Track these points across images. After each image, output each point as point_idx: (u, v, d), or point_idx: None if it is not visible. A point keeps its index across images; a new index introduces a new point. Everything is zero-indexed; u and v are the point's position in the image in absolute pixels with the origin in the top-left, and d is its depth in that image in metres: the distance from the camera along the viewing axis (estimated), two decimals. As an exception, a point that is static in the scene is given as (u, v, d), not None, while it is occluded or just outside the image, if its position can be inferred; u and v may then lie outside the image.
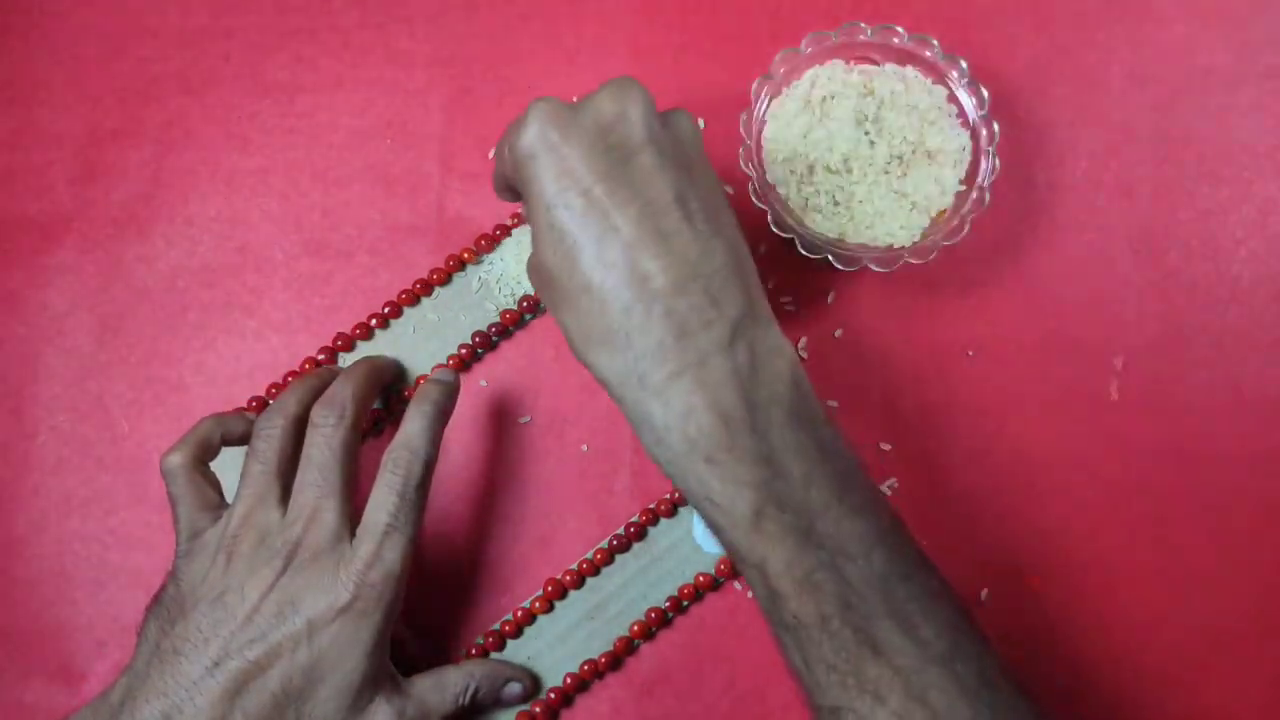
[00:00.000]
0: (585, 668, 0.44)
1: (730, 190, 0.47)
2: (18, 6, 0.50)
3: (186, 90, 0.50)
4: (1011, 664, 0.35)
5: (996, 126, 0.45)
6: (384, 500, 0.39)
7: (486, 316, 0.47)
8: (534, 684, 0.44)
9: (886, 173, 0.44)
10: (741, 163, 0.45)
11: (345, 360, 0.47)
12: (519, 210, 0.48)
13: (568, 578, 0.44)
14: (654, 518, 0.45)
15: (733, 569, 0.44)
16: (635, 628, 0.44)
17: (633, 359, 0.33)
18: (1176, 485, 0.46)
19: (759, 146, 0.45)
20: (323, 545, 0.38)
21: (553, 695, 0.43)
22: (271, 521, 0.39)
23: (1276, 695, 0.44)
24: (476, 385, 0.47)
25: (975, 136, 0.45)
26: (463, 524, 0.46)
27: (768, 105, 0.45)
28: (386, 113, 0.49)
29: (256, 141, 0.49)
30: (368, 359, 0.45)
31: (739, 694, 0.44)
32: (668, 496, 0.45)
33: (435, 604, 0.45)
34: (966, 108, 0.45)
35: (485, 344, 0.47)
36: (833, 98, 0.45)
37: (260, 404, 0.46)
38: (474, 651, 0.44)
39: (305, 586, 0.37)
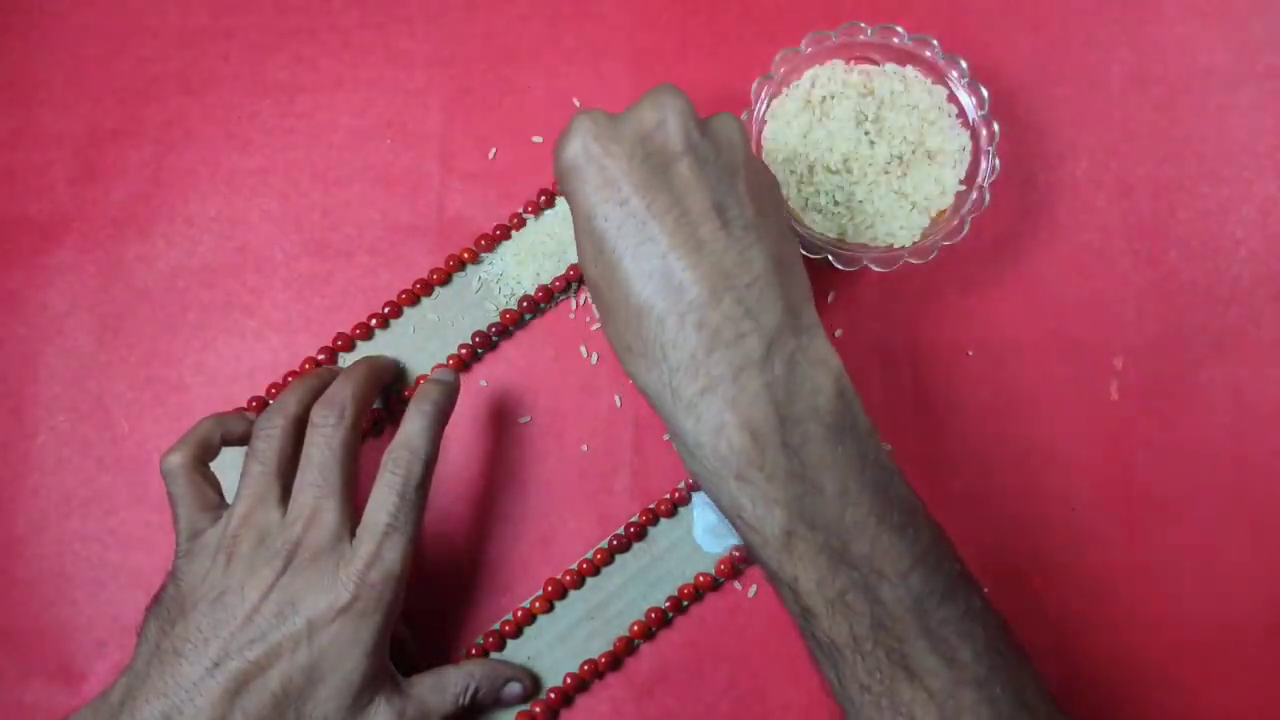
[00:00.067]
0: (585, 668, 0.44)
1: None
2: (18, 6, 0.50)
3: (186, 90, 0.50)
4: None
5: (996, 126, 0.45)
6: (384, 500, 0.39)
7: (486, 316, 0.47)
8: (534, 684, 0.44)
9: (886, 173, 0.44)
10: (741, 163, 0.45)
11: (345, 360, 0.47)
12: (519, 210, 0.48)
13: (568, 578, 0.44)
14: (654, 518, 0.45)
15: (733, 569, 0.44)
16: (635, 628, 0.44)
17: (667, 372, 0.33)
18: (1176, 485, 0.46)
19: (759, 146, 0.45)
20: (323, 545, 0.38)
21: (553, 695, 0.43)
22: (271, 521, 0.39)
23: (1277, 695, 0.44)
24: (476, 385, 0.47)
25: (975, 136, 0.45)
26: (463, 524, 0.46)
27: (768, 105, 0.45)
28: (386, 113, 0.49)
29: (256, 141, 0.49)
30: (368, 359, 0.45)
31: (739, 694, 0.44)
32: (668, 496, 0.45)
33: (435, 604, 0.45)
34: (966, 108, 0.45)
35: (485, 344, 0.47)
36: (833, 98, 0.45)
37: (260, 404, 0.46)
38: (474, 651, 0.44)
39: (305, 586, 0.37)
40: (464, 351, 0.47)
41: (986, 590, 0.43)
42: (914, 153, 0.44)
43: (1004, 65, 0.49)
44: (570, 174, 0.35)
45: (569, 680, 0.44)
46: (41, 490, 0.46)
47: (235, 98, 0.50)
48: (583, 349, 0.47)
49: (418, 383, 0.46)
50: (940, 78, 0.46)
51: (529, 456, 0.46)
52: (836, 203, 0.44)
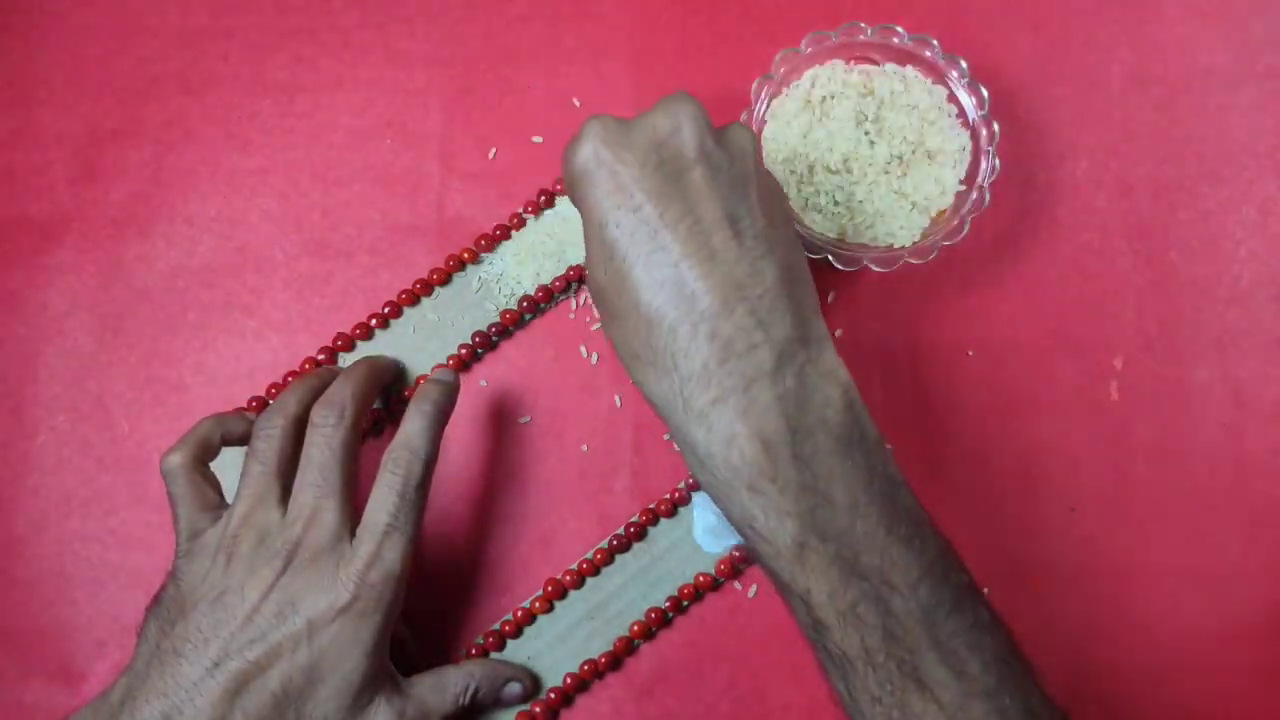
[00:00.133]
0: (585, 668, 0.44)
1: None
2: (18, 6, 0.50)
3: (186, 90, 0.50)
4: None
5: (996, 126, 0.45)
6: (384, 500, 0.39)
7: (486, 316, 0.47)
8: (534, 684, 0.44)
9: (886, 173, 0.44)
10: (741, 163, 0.45)
11: (345, 360, 0.47)
12: (519, 210, 0.48)
13: (568, 578, 0.44)
14: (654, 518, 0.45)
15: (733, 569, 0.44)
16: (635, 628, 0.44)
17: (678, 382, 0.33)
18: (1176, 485, 0.46)
19: (759, 146, 0.45)
20: (323, 545, 0.38)
21: (553, 695, 0.43)
22: (271, 521, 0.39)
23: (1277, 695, 0.44)
24: (476, 385, 0.47)
25: (975, 136, 0.45)
26: (463, 524, 0.46)
27: (768, 105, 0.45)
28: (386, 113, 0.49)
29: (256, 141, 0.49)
30: (368, 359, 0.45)
31: (739, 694, 0.44)
32: (668, 496, 0.45)
33: (435, 604, 0.45)
34: (966, 108, 0.45)
35: (485, 344, 0.47)
36: (833, 98, 0.45)
37: (260, 404, 0.46)
38: (474, 651, 0.44)
39: (305, 586, 0.37)
40: (464, 351, 0.47)
41: (986, 591, 0.43)
42: (914, 153, 0.44)
43: (1004, 65, 0.49)
44: (581, 179, 0.35)
45: (569, 680, 0.44)
46: (41, 490, 0.46)
47: (235, 98, 0.49)
48: (583, 349, 0.47)
49: (418, 383, 0.46)
50: (940, 78, 0.46)
51: (529, 456, 0.46)
52: (836, 203, 0.44)
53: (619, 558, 0.45)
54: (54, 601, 0.45)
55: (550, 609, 0.45)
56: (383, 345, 0.47)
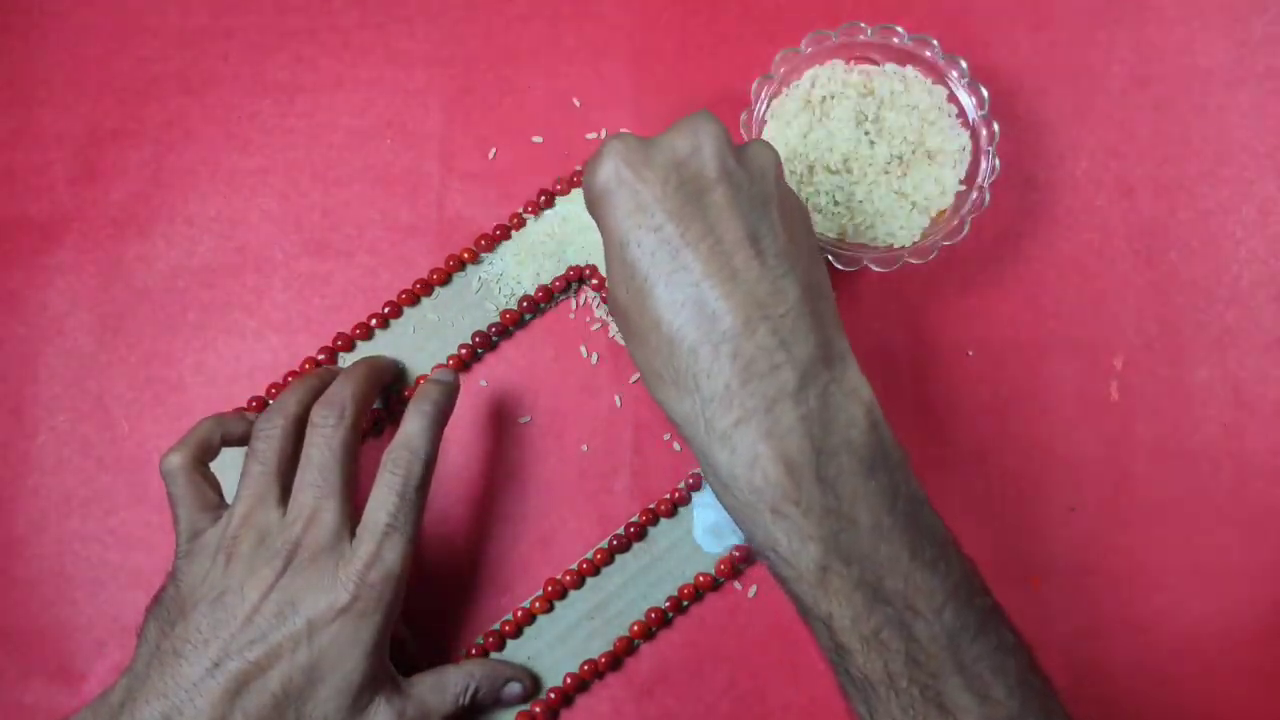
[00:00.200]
0: (585, 668, 0.44)
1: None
2: (18, 6, 0.50)
3: (186, 90, 0.50)
4: None
5: (996, 126, 0.45)
6: (384, 500, 0.39)
7: (486, 316, 0.47)
8: (534, 684, 0.44)
9: (886, 173, 0.44)
10: (741, 163, 0.45)
11: (345, 360, 0.47)
12: (519, 210, 0.48)
13: (568, 578, 0.44)
14: (654, 518, 0.45)
15: (733, 569, 0.44)
16: (635, 628, 0.44)
17: (700, 402, 0.33)
18: (1176, 485, 0.46)
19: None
20: (322, 545, 0.38)
21: (553, 695, 0.43)
22: (271, 522, 0.39)
23: (1277, 695, 0.44)
24: (476, 385, 0.47)
25: (975, 136, 0.45)
26: (463, 524, 0.46)
27: (768, 105, 0.45)
28: (386, 113, 0.49)
29: (256, 141, 0.49)
30: (368, 359, 0.45)
31: (739, 694, 0.44)
32: (668, 496, 0.45)
33: (435, 604, 0.45)
34: (966, 108, 0.45)
35: (485, 344, 0.47)
36: (833, 98, 0.45)
37: (260, 404, 0.46)
38: (474, 651, 0.44)
39: (305, 587, 0.37)
40: (464, 351, 0.47)
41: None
42: (914, 153, 0.44)
43: (1004, 65, 0.49)
44: (602, 199, 0.35)
45: (569, 680, 0.44)
46: (41, 490, 0.46)
47: (235, 98, 0.49)
48: (583, 349, 0.47)
49: (418, 383, 0.46)
50: (940, 78, 0.46)
51: (529, 456, 0.46)
52: (836, 203, 0.44)
53: (619, 558, 0.45)
54: (54, 601, 0.45)
55: (550, 609, 0.45)
56: (383, 345, 0.47)
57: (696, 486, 0.45)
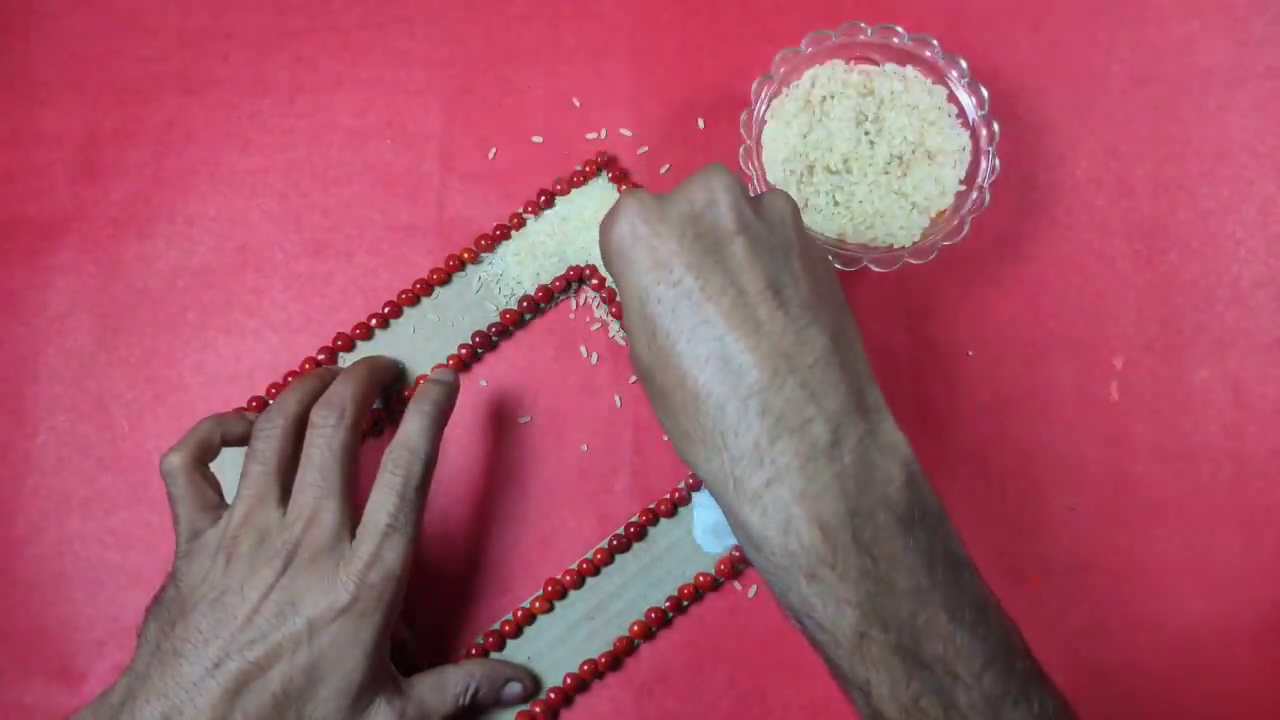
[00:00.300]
0: (585, 668, 0.44)
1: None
2: (18, 6, 0.50)
3: (186, 90, 0.50)
4: None
5: (996, 126, 0.45)
6: (384, 500, 0.39)
7: (486, 316, 0.47)
8: (534, 684, 0.44)
9: (886, 173, 0.44)
10: (741, 162, 0.45)
11: (345, 360, 0.47)
12: (519, 210, 0.48)
13: (568, 578, 0.44)
14: (654, 518, 0.45)
15: (733, 569, 0.44)
16: (635, 628, 0.44)
17: (729, 460, 0.32)
18: (1176, 485, 0.46)
19: (759, 146, 0.45)
20: (322, 546, 0.38)
21: (553, 695, 0.43)
22: (271, 522, 0.39)
23: (1277, 695, 0.44)
24: (476, 385, 0.47)
25: (975, 136, 0.45)
26: (463, 524, 0.46)
27: (768, 105, 0.45)
28: (386, 113, 0.49)
29: (256, 141, 0.49)
30: (368, 359, 0.45)
31: (739, 694, 0.44)
32: (668, 496, 0.45)
33: (435, 604, 0.45)
34: (966, 108, 0.45)
35: (485, 344, 0.47)
36: (833, 98, 0.45)
37: (260, 404, 0.46)
38: (474, 651, 0.44)
39: (305, 587, 0.37)
40: (464, 351, 0.47)
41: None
42: (914, 153, 0.44)
43: (1004, 65, 0.50)
44: (619, 256, 0.34)
45: (569, 680, 0.44)
46: (41, 490, 0.46)
47: (235, 98, 0.50)
48: (583, 349, 0.47)
49: (418, 383, 0.46)
50: (940, 78, 0.46)
51: (529, 456, 0.46)
52: (836, 203, 0.44)
53: (619, 558, 0.45)
54: (54, 601, 0.45)
55: (550, 609, 0.45)
56: (383, 345, 0.47)
57: (696, 486, 0.45)
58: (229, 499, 0.41)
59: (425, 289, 0.47)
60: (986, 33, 0.50)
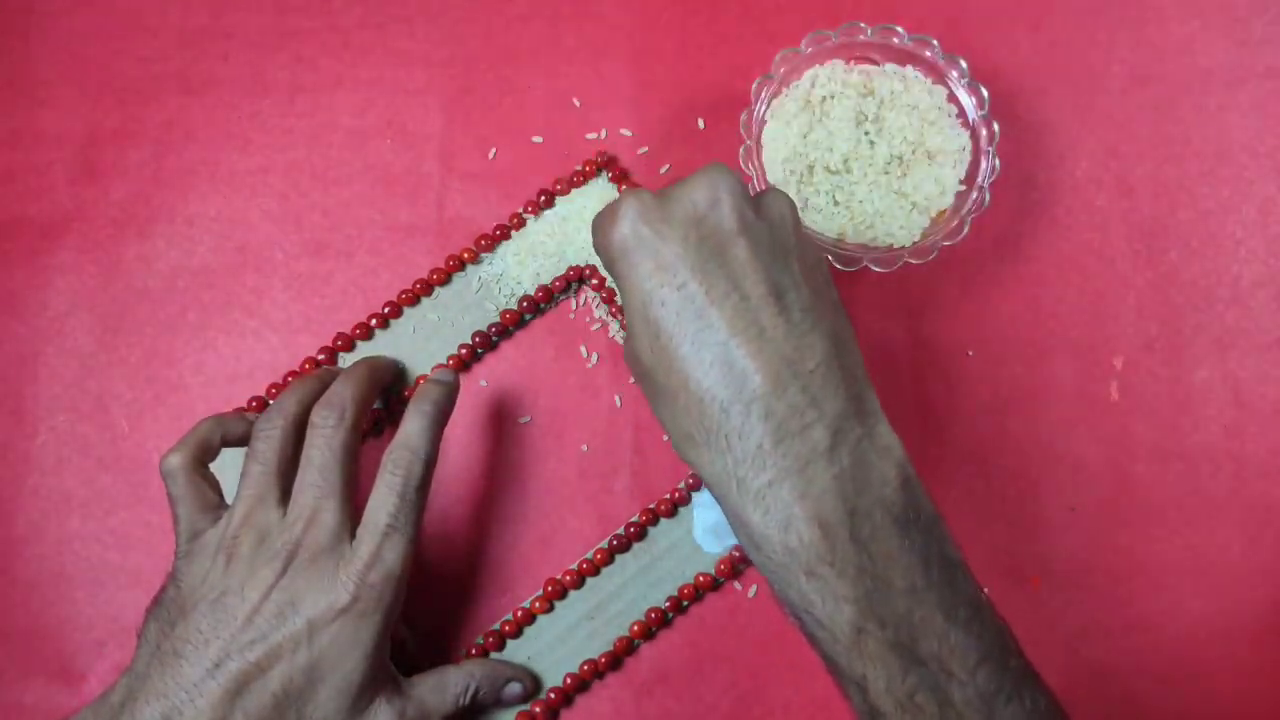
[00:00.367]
0: (585, 668, 0.44)
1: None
2: (18, 6, 0.50)
3: (186, 90, 0.50)
4: None
5: (996, 126, 0.45)
6: (384, 501, 0.39)
7: (486, 316, 0.47)
8: (534, 684, 0.44)
9: (886, 173, 0.44)
10: (741, 162, 0.45)
11: (345, 360, 0.47)
12: (519, 210, 0.48)
13: (568, 578, 0.44)
14: (654, 518, 0.45)
15: (733, 569, 0.44)
16: (635, 628, 0.44)
17: (731, 462, 0.32)
18: (1176, 485, 0.46)
19: (759, 146, 0.45)
20: (323, 546, 0.38)
21: (553, 695, 0.44)
22: (271, 522, 0.39)
23: (1277, 695, 0.44)
24: (476, 385, 0.47)
25: (975, 136, 0.45)
26: (463, 524, 0.46)
27: (768, 105, 0.45)
28: (386, 113, 0.49)
29: (256, 141, 0.49)
30: (368, 359, 0.45)
31: (739, 694, 0.44)
32: (668, 496, 0.45)
33: (435, 604, 0.45)
34: (966, 108, 0.45)
35: (485, 344, 0.47)
36: (833, 98, 0.45)
37: (260, 404, 0.46)
38: (474, 651, 0.44)
39: (305, 587, 0.37)
40: (464, 351, 0.47)
41: (987, 590, 0.43)
42: (914, 153, 0.44)
43: (1004, 65, 0.50)
44: (621, 258, 0.34)
45: (569, 680, 0.44)
46: (41, 490, 0.46)
47: (235, 98, 0.50)
48: (583, 349, 0.47)
49: (418, 383, 0.46)
50: (940, 78, 0.46)
51: (529, 456, 0.46)
52: (836, 203, 0.44)
53: (619, 558, 0.45)
54: (54, 601, 0.45)
55: (550, 609, 0.45)
56: (383, 345, 0.47)
57: (696, 486, 0.45)
58: (229, 499, 0.41)
59: (425, 289, 0.47)
60: (986, 33, 0.50)
